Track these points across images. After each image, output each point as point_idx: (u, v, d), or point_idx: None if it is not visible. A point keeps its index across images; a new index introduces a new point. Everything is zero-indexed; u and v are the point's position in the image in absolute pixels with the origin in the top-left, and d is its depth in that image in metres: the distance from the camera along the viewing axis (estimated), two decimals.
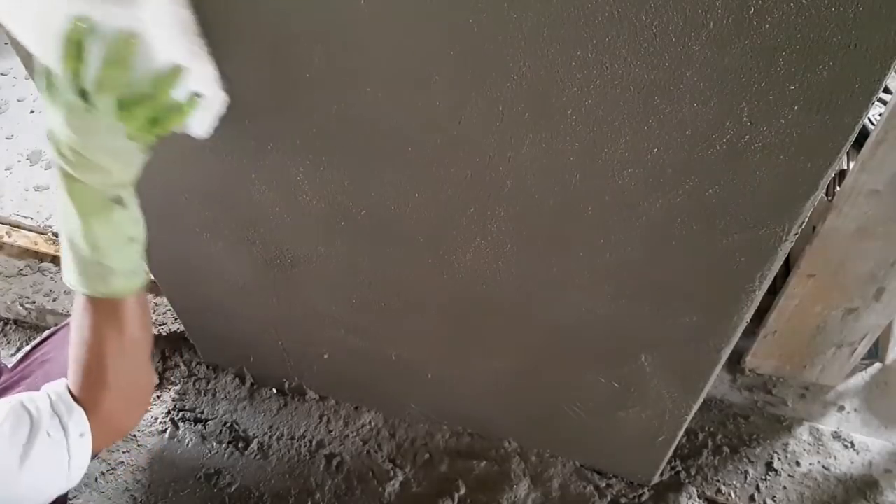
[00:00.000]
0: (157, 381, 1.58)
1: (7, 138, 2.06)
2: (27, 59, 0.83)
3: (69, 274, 0.74)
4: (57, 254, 1.77)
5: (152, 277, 1.50)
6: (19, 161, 2.03)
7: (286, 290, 1.21)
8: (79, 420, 0.73)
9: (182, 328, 1.57)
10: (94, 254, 0.72)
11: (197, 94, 0.74)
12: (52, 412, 0.72)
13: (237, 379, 1.58)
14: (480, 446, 1.46)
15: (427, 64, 0.72)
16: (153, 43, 0.67)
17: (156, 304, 1.70)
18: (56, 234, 1.81)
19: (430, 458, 1.45)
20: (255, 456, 1.48)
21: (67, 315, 1.68)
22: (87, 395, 0.75)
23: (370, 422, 1.51)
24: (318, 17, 0.72)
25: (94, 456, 0.77)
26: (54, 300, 1.71)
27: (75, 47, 0.64)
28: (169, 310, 1.68)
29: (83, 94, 0.66)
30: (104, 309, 0.75)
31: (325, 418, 1.52)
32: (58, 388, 0.76)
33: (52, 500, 0.75)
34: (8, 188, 1.95)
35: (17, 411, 0.70)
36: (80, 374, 0.76)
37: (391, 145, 0.84)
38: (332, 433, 1.50)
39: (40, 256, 1.79)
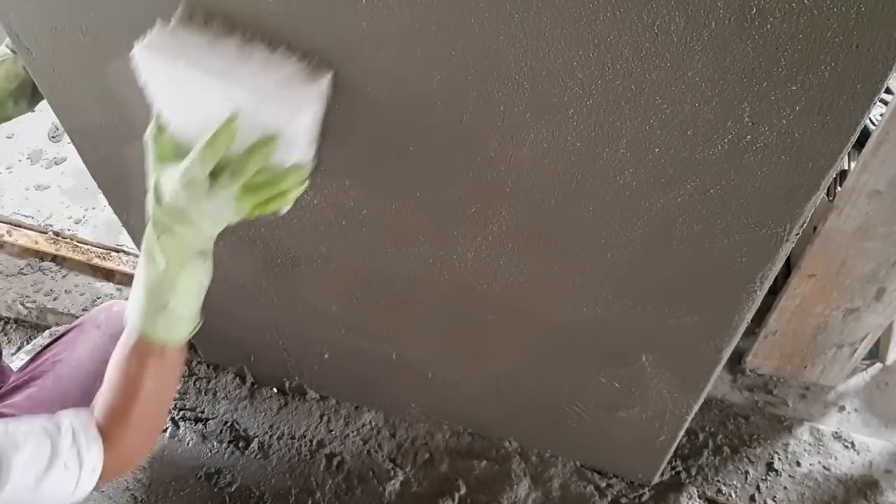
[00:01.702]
0: None
1: (7, 137, 2.06)
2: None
3: (135, 314, 0.77)
4: (57, 253, 1.77)
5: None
6: (20, 160, 2.03)
7: (287, 290, 1.21)
8: (95, 457, 0.75)
9: None
10: (171, 300, 0.75)
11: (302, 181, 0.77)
12: (73, 443, 0.74)
13: (238, 378, 1.58)
14: (481, 446, 1.46)
15: (428, 63, 0.72)
16: (288, 141, 0.71)
17: None
18: (56, 234, 1.81)
19: (431, 458, 1.46)
20: (256, 455, 1.48)
21: (68, 314, 1.68)
22: (110, 430, 0.77)
23: (370, 421, 1.51)
24: (317, 15, 0.72)
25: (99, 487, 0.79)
26: (55, 299, 1.71)
27: (226, 136, 0.68)
28: None
29: (218, 173, 0.70)
30: (153, 352, 0.77)
31: (325, 418, 1.52)
32: (82, 419, 0.77)
33: None
34: (9, 187, 1.95)
35: (38, 435, 0.72)
36: (110, 408, 0.78)
37: (392, 145, 0.84)
38: (333, 433, 1.50)
39: (41, 255, 1.79)
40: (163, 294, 0.75)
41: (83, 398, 1.10)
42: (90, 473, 0.75)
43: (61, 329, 1.21)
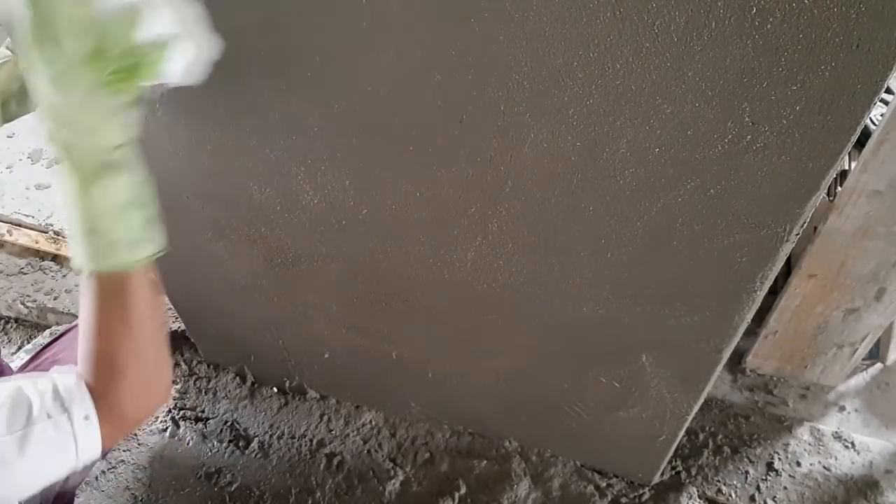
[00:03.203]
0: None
1: (8, 136, 2.06)
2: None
3: (75, 256, 0.70)
4: (58, 252, 1.78)
5: (181, 328, 1.50)
6: (20, 160, 2.03)
7: (287, 290, 1.21)
8: (82, 402, 0.69)
9: (183, 327, 1.57)
10: (94, 223, 0.68)
11: (174, 37, 0.68)
12: (55, 394, 0.68)
13: (238, 378, 1.58)
14: (481, 446, 1.46)
15: (428, 63, 0.72)
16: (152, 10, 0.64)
17: None
18: (57, 233, 1.81)
19: (431, 458, 1.46)
20: (256, 455, 1.48)
21: (68, 314, 1.68)
22: (96, 382, 0.71)
23: (371, 421, 1.51)
24: (320, 17, 0.72)
25: (110, 446, 0.73)
26: (55, 298, 1.71)
27: (75, 13, 0.61)
28: (170, 308, 1.68)
29: (84, 60, 0.63)
30: (108, 286, 0.70)
31: (325, 417, 1.52)
32: (64, 373, 0.72)
33: (58, 479, 0.71)
34: (9, 186, 1.95)
35: (14, 395, 0.67)
36: (87, 358, 0.72)
37: (392, 145, 0.84)
38: (333, 432, 1.50)
39: (41, 255, 1.79)
40: (85, 220, 0.68)
41: None
42: (84, 422, 0.69)
43: (61, 328, 1.21)
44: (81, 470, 0.72)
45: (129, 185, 0.70)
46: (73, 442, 0.68)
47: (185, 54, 0.70)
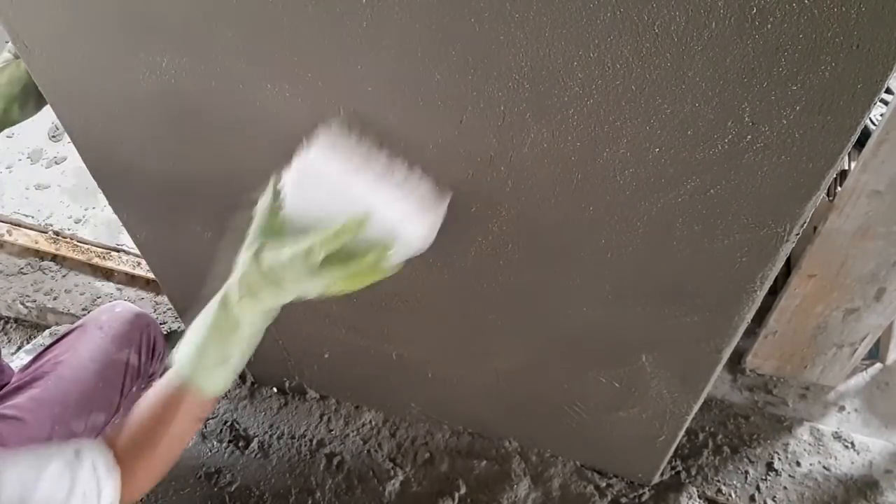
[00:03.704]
0: None
1: (8, 137, 2.06)
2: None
3: (189, 360, 0.77)
4: (57, 252, 1.77)
5: (181, 328, 1.52)
6: (20, 160, 2.03)
7: None
8: (113, 488, 0.75)
9: (183, 327, 1.57)
10: (235, 356, 0.77)
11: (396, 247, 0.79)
12: (93, 473, 0.74)
13: (238, 378, 1.58)
14: (481, 446, 1.46)
15: (428, 63, 0.72)
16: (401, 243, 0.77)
17: (156, 303, 1.70)
18: (56, 233, 1.81)
19: (431, 458, 1.46)
20: (256, 455, 1.48)
21: (68, 314, 1.68)
22: (128, 462, 0.77)
23: (371, 421, 1.51)
24: (318, 16, 0.72)
25: None
26: (55, 299, 1.71)
27: (350, 231, 0.73)
28: (170, 308, 1.68)
29: (328, 261, 0.75)
30: (195, 399, 0.78)
31: (325, 417, 1.52)
32: (101, 449, 0.77)
33: None
34: (9, 186, 1.95)
35: (58, 465, 0.72)
36: (133, 442, 0.78)
37: (392, 145, 0.84)
38: (333, 432, 1.50)
39: (41, 255, 1.79)
40: (230, 350, 0.77)
41: (84, 399, 1.10)
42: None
43: (62, 329, 1.21)
44: None
45: (262, 333, 0.80)
46: None
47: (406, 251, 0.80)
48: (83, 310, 1.68)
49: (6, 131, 1.06)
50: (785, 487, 1.39)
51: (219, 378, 0.78)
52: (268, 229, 0.78)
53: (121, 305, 1.22)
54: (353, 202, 0.75)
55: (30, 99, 1.01)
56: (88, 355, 1.12)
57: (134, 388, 1.18)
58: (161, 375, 0.84)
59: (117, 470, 0.76)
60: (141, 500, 1.42)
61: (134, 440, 0.78)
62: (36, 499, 0.69)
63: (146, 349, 1.20)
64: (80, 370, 1.10)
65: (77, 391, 1.08)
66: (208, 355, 0.77)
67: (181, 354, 0.78)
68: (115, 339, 1.15)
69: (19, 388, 1.08)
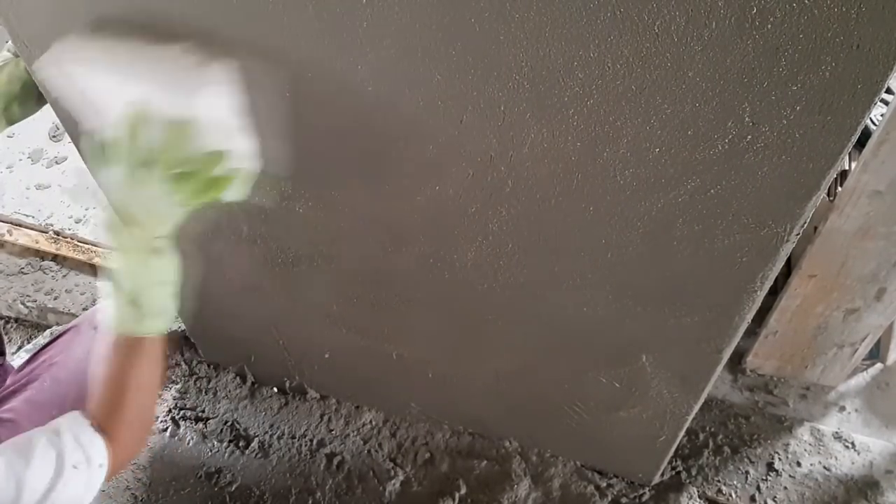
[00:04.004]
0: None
1: (8, 136, 2.06)
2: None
3: (109, 317, 0.81)
4: (58, 252, 1.78)
5: (181, 328, 1.52)
6: (20, 159, 2.03)
7: (287, 290, 1.21)
8: (100, 451, 0.78)
9: (183, 327, 1.57)
10: (132, 294, 0.79)
11: (238, 168, 0.79)
12: (76, 443, 0.77)
13: (238, 378, 1.58)
14: (481, 446, 1.46)
15: (428, 63, 0.72)
16: (205, 126, 0.74)
17: None
18: (57, 233, 1.81)
19: (431, 458, 1.46)
20: (256, 455, 1.48)
21: (68, 313, 1.68)
22: (106, 425, 0.80)
23: (371, 421, 1.51)
24: (318, 16, 0.72)
25: (108, 482, 0.81)
26: (55, 298, 1.71)
27: (133, 129, 0.73)
28: None
29: (139, 166, 0.74)
30: (130, 347, 0.81)
31: (325, 417, 1.52)
32: (77, 420, 0.80)
33: None
34: (9, 186, 1.95)
35: (42, 446, 0.75)
36: (102, 404, 0.82)
37: (392, 145, 0.84)
38: (333, 432, 1.50)
39: (41, 255, 1.79)
40: (126, 292, 0.79)
41: (81, 399, 1.10)
42: (98, 469, 0.78)
43: (60, 329, 1.20)
44: None
45: (170, 266, 0.81)
46: (85, 487, 0.77)
47: (243, 180, 0.80)
48: (84, 309, 1.68)
49: (7, 131, 1.06)
50: (785, 487, 1.39)
51: (138, 321, 0.80)
52: (96, 165, 0.78)
53: None
54: (128, 97, 0.73)
55: (30, 97, 1.01)
56: (83, 355, 1.12)
57: None
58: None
59: (100, 435, 0.79)
60: (141, 500, 1.42)
61: (102, 402, 0.81)
62: (29, 483, 0.71)
63: None
64: (75, 371, 1.10)
65: (73, 392, 1.08)
66: (116, 303, 0.80)
67: (104, 311, 0.82)
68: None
69: (15, 392, 1.08)
